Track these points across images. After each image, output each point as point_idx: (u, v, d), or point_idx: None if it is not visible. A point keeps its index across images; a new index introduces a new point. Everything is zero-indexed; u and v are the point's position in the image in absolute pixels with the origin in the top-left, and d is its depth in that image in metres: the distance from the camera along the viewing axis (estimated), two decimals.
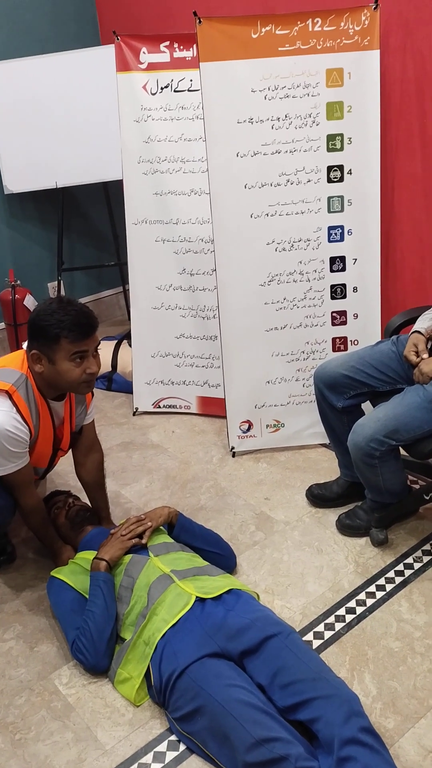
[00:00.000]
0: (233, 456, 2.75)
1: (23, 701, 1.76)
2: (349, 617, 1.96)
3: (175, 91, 2.74)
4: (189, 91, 2.73)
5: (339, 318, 2.64)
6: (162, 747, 1.63)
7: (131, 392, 3.12)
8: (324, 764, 1.44)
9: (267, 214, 2.51)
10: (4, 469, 1.93)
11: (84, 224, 3.93)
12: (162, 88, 2.75)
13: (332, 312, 2.63)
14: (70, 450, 2.24)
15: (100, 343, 1.92)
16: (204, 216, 2.76)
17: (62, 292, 3.81)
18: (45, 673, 1.84)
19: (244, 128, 2.43)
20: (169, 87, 2.74)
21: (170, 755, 1.60)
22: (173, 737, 1.64)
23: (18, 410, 1.89)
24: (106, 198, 3.68)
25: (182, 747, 1.62)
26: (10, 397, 1.88)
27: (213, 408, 3.03)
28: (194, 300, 2.93)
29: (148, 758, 1.60)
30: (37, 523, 2.13)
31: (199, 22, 2.32)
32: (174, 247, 2.90)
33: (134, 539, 1.97)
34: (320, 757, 1.47)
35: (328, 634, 1.91)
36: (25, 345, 1.96)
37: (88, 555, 2.00)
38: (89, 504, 2.30)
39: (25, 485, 2.03)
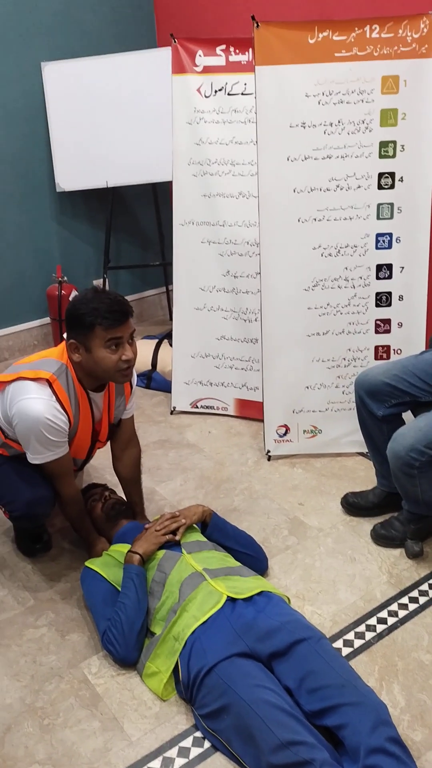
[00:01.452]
0: (269, 460, 2.75)
1: (53, 687, 1.79)
2: (380, 627, 1.94)
3: (228, 94, 2.77)
4: (242, 94, 2.75)
5: (383, 326, 2.62)
6: (187, 742, 1.63)
7: (170, 391, 3.15)
8: None
9: (315, 219, 2.50)
10: (43, 457, 1.97)
11: (131, 224, 3.98)
12: (216, 91, 2.77)
13: (376, 320, 2.62)
14: (108, 443, 2.27)
15: (134, 330, 1.94)
16: (251, 219, 2.77)
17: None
18: (75, 662, 1.86)
19: (296, 132, 2.43)
20: (223, 90, 2.77)
21: (195, 751, 1.61)
22: (198, 733, 1.65)
23: (58, 399, 1.92)
24: (154, 198, 3.72)
25: (207, 744, 1.62)
26: (51, 386, 1.92)
27: (250, 411, 3.03)
28: (237, 302, 2.95)
29: (172, 752, 1.61)
30: (75, 514, 2.16)
31: (257, 26, 2.33)
32: (219, 249, 2.92)
33: (168, 535, 1.99)
34: (345, 763, 1.47)
35: (358, 643, 1.89)
36: (65, 336, 2.00)
37: (121, 548, 2.03)
38: (125, 498, 2.32)
39: (64, 475, 2.06)
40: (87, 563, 2.04)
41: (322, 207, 2.49)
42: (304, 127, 2.42)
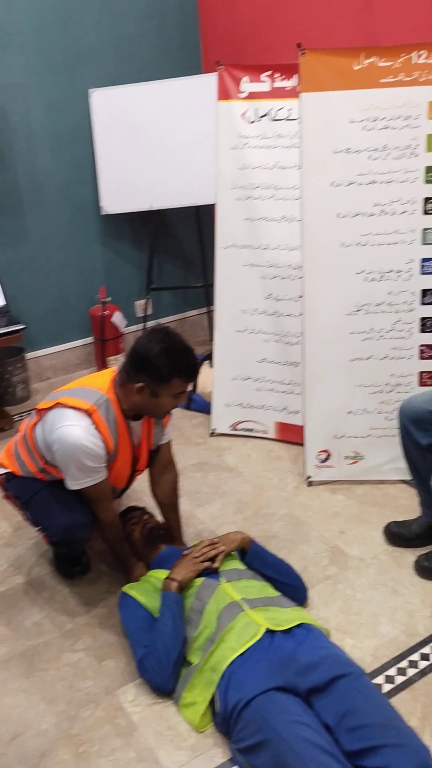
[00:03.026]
0: (309, 485, 2.71)
1: (89, 714, 1.78)
2: (422, 663, 1.88)
3: (273, 119, 2.78)
4: (287, 119, 2.76)
5: (428, 351, 2.57)
6: None
7: (209, 413, 3.14)
8: None
9: (358, 244, 2.48)
10: (81, 483, 1.98)
11: (174, 246, 4.02)
12: (260, 117, 2.79)
13: (421, 345, 2.57)
14: (146, 469, 2.28)
15: None
16: (293, 242, 2.77)
17: (149, 311, 3.90)
18: (111, 689, 1.86)
19: (340, 158, 2.42)
20: (268, 116, 2.78)
21: None
22: None
23: (97, 428, 1.93)
24: (197, 221, 3.75)
25: None
26: (90, 416, 1.93)
27: (291, 434, 3.00)
28: (278, 325, 2.93)
29: None
30: (113, 538, 2.16)
31: (303, 53, 2.34)
32: (261, 272, 2.92)
33: (206, 562, 1.97)
34: None
35: (399, 680, 1.84)
36: (112, 363, 2.02)
37: (160, 574, 2.02)
38: (164, 522, 2.32)
39: (103, 500, 2.07)
40: (125, 588, 2.04)
41: (366, 232, 2.47)
42: (349, 153, 2.41)
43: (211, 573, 1.96)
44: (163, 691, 1.81)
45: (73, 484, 1.99)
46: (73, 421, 1.91)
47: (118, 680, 1.88)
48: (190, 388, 1.93)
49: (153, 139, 3.44)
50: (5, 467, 2.19)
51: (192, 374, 1.94)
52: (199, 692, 1.74)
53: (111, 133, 3.47)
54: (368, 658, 1.91)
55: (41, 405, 2.03)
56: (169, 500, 2.29)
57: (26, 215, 3.50)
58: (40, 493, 2.10)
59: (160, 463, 2.26)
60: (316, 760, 1.45)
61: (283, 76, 2.72)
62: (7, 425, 3.27)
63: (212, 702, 1.71)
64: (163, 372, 1.88)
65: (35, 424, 2.06)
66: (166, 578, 1.94)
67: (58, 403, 1.96)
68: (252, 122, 2.81)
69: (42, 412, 2.02)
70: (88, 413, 1.93)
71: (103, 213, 3.63)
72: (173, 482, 2.29)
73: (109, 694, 1.84)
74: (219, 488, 2.74)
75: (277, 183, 2.82)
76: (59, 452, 1.94)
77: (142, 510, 2.36)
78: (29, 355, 3.69)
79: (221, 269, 2.98)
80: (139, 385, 1.92)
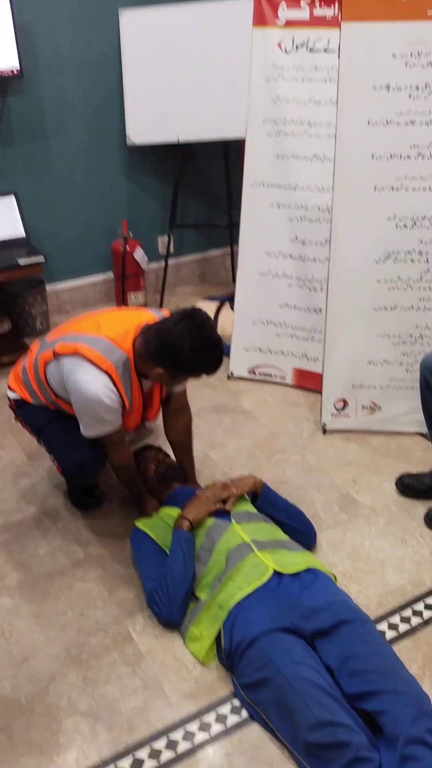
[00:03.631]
0: (324, 433, 2.71)
1: (97, 642, 1.84)
2: (427, 613, 1.91)
3: (310, 50, 2.64)
4: (325, 51, 2.62)
5: None
6: (225, 710, 1.66)
7: (228, 356, 3.12)
8: (385, 757, 1.43)
9: (392, 188, 2.39)
10: (95, 431, 1.99)
11: (199, 181, 3.91)
12: (297, 47, 2.65)
13: None
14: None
15: None
16: (324, 183, 2.67)
17: (171, 249, 3.83)
18: (120, 618, 1.91)
19: (379, 95, 2.30)
20: (305, 46, 2.64)
21: (232, 719, 1.63)
22: (237, 702, 1.67)
23: (115, 385, 1.92)
24: (225, 157, 3.63)
25: (245, 713, 1.64)
26: (110, 376, 1.92)
27: (309, 382, 2.98)
28: (303, 270, 2.87)
29: (210, 718, 1.64)
30: (126, 478, 2.19)
31: None
32: (289, 213, 2.83)
33: (218, 504, 1.99)
34: (382, 749, 1.45)
35: (403, 627, 1.87)
36: (132, 300, 1.99)
37: (172, 512, 2.04)
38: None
39: (116, 445, 2.08)
40: (137, 523, 2.07)
41: (400, 175, 2.37)
42: (389, 90, 2.29)
43: (223, 514, 1.98)
44: (171, 624, 1.86)
45: (87, 431, 1.99)
46: (92, 375, 1.89)
47: (127, 611, 1.93)
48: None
49: (184, 66, 3.29)
50: (14, 391, 2.19)
51: (216, 369, 1.87)
52: (205, 627, 1.78)
53: (140, 59, 3.33)
54: (373, 604, 1.94)
55: (59, 347, 1.98)
56: (181, 442, 2.30)
57: (50, 142, 3.40)
58: (53, 424, 2.12)
59: (173, 408, 2.26)
60: (316, 699, 1.49)
61: (324, 4, 2.56)
62: None
63: (218, 638, 1.75)
64: (189, 367, 1.86)
65: (48, 361, 2.03)
66: (178, 516, 1.96)
67: (77, 351, 1.93)
68: (288, 52, 2.66)
69: (59, 355, 1.98)
70: (108, 373, 1.91)
71: (129, 144, 3.52)
72: (186, 425, 2.29)
73: (117, 623, 1.89)
74: (234, 431, 2.74)
75: (310, 119, 2.70)
76: (76, 403, 1.94)
77: (158, 449, 2.37)
78: (49, 287, 3.65)
79: (247, 208, 2.89)
80: (159, 371, 1.89)
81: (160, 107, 3.39)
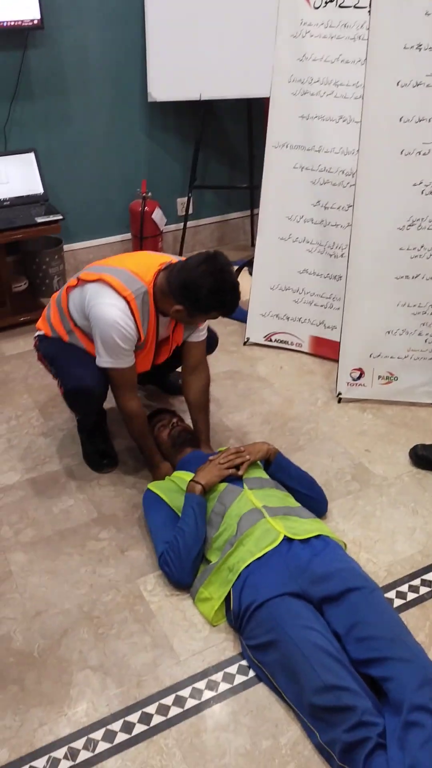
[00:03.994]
0: (339, 402, 2.70)
1: (109, 599, 1.87)
2: None
3: (340, 6, 2.55)
4: (355, 7, 2.53)
5: None
6: (232, 669, 1.69)
7: (245, 321, 3.10)
8: (389, 723, 1.45)
9: (419, 153, 2.32)
10: (109, 363, 2.04)
11: (221, 141, 3.83)
12: (326, 2, 2.56)
13: None
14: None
15: None
16: (349, 146, 2.61)
17: (190, 210, 3.77)
18: (132, 578, 1.94)
19: (410, 55, 2.22)
20: (334, 1, 2.55)
21: (239, 678, 1.67)
22: (244, 662, 1.70)
23: (132, 314, 1.98)
24: (248, 116, 3.55)
25: (251, 673, 1.68)
26: (128, 303, 1.97)
27: (325, 350, 2.96)
28: (324, 235, 2.82)
29: (217, 677, 1.67)
30: (137, 430, 2.20)
31: None
32: (312, 176, 2.77)
33: (231, 469, 2.00)
34: (386, 715, 1.48)
35: (411, 596, 1.88)
36: (157, 254, 2.11)
37: (185, 476, 2.05)
38: (192, 427, 2.34)
39: (127, 387, 2.11)
40: (150, 486, 2.09)
41: (429, 140, 2.30)
42: (420, 50, 2.21)
43: (235, 480, 1.99)
44: (181, 585, 1.89)
45: (102, 361, 2.04)
46: (112, 300, 1.97)
47: (138, 570, 1.96)
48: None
49: (208, 22, 3.20)
50: (39, 329, 2.27)
51: (232, 311, 1.97)
52: (215, 589, 1.81)
53: (164, 12, 3.23)
54: (382, 573, 1.95)
55: (84, 275, 2.06)
56: (198, 402, 2.30)
57: (70, 97, 3.34)
58: (65, 352, 2.17)
59: (190, 363, 2.27)
60: (322, 663, 1.51)
61: None
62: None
63: (227, 600, 1.77)
64: (207, 306, 1.95)
65: (73, 287, 2.10)
66: (191, 481, 1.98)
67: (101, 278, 2.00)
68: (317, 8, 2.57)
69: (83, 282, 2.06)
70: (126, 300, 1.97)
71: (150, 100, 3.44)
72: (203, 384, 2.29)
73: (129, 582, 1.93)
74: (248, 397, 2.74)
75: (338, 78, 2.62)
76: (95, 328, 2.01)
77: (172, 413, 2.38)
78: (66, 247, 3.63)
79: (270, 170, 2.84)
80: (179, 308, 1.97)
81: (182, 63, 3.31)
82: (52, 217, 3.03)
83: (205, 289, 1.89)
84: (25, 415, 2.62)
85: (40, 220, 3.01)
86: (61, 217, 3.05)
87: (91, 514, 2.16)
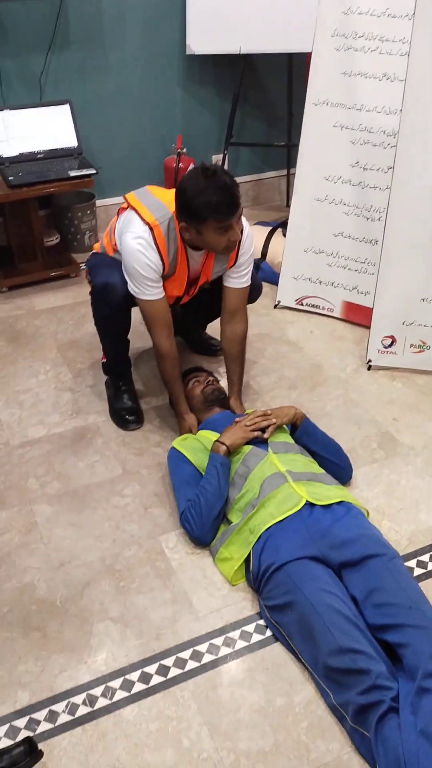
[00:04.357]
0: (369, 369, 2.66)
1: (131, 554, 1.91)
2: None
3: None
4: None
5: None
6: (249, 627, 1.71)
7: (276, 284, 3.06)
8: (402, 688, 1.46)
9: None
10: (136, 293, 2.07)
11: (260, 98, 3.73)
12: None
13: None
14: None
15: (242, 210, 1.96)
16: (392, 105, 2.52)
17: (226, 168, 3.70)
18: (154, 534, 1.97)
19: None
20: None
21: (256, 637, 1.69)
22: (262, 622, 1.72)
23: (156, 243, 2.00)
24: (288, 72, 3.45)
25: (268, 633, 1.70)
26: (152, 230, 1.99)
27: (357, 316, 2.91)
28: (362, 197, 2.75)
29: (235, 634, 1.70)
30: (167, 372, 2.20)
31: None
32: (352, 135, 2.69)
33: (257, 432, 1.99)
34: (400, 680, 1.49)
35: (431, 566, 1.88)
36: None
37: (210, 435, 2.06)
38: (226, 390, 2.33)
39: (158, 323, 2.12)
40: (174, 444, 2.10)
41: None
42: None
43: (260, 443, 1.99)
44: (201, 543, 1.91)
45: (130, 288, 2.09)
46: (136, 229, 2.00)
47: (161, 527, 1.99)
48: (228, 223, 1.91)
49: None
50: (94, 249, 2.35)
51: (226, 211, 1.88)
52: (235, 549, 1.82)
53: None
54: (404, 541, 1.95)
55: (127, 197, 2.10)
56: (231, 351, 2.29)
57: (107, 48, 3.27)
58: (106, 260, 2.22)
59: (227, 310, 2.25)
60: (339, 626, 1.52)
61: None
62: (72, 272, 3.27)
63: (247, 560, 1.79)
64: (199, 214, 1.89)
65: (123, 209, 2.15)
66: (216, 441, 1.98)
67: (133, 206, 2.04)
68: None
69: (122, 210, 2.13)
70: (150, 227, 1.99)
71: (189, 53, 3.35)
72: (239, 334, 2.27)
73: (151, 538, 1.95)
74: (277, 361, 2.72)
75: (384, 34, 2.52)
76: (122, 256, 2.06)
77: (209, 372, 2.37)
78: (99, 202, 3.60)
79: (308, 128, 2.76)
80: (182, 224, 1.96)
81: (223, 15, 3.21)
82: (85, 171, 3.00)
83: (190, 190, 1.87)
84: (53, 370, 2.64)
85: (73, 173, 2.98)
86: (94, 172, 3.01)
87: (115, 471, 2.18)
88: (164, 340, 2.15)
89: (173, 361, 2.19)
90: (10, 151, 3.04)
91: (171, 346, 2.17)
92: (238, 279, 2.20)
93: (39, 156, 3.08)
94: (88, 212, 3.46)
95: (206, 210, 1.87)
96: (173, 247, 2.04)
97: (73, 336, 2.82)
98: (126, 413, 2.37)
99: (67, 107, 3.15)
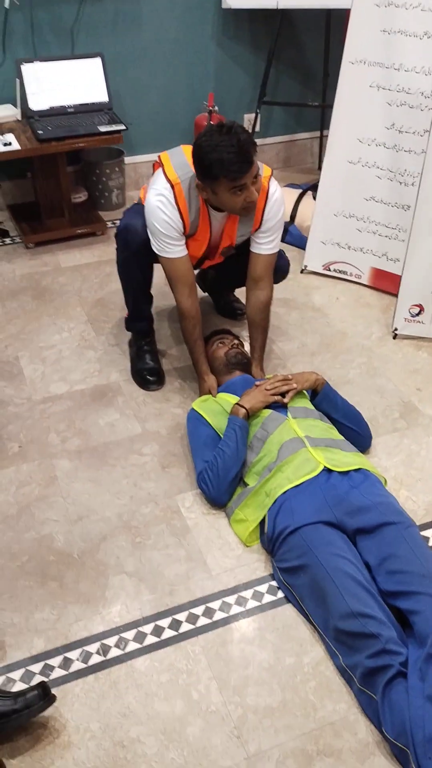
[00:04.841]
0: (394, 338, 2.63)
1: (148, 512, 1.93)
2: None
3: None
4: None
5: None
6: (262, 588, 1.73)
7: (304, 248, 3.01)
8: (412, 654, 1.47)
9: None
10: (157, 250, 2.08)
11: (295, 56, 3.62)
12: None
13: None
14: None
15: (258, 169, 1.92)
16: None
17: (257, 127, 3.63)
18: (171, 493, 1.98)
19: None
20: None
21: (268, 598, 1.71)
22: (274, 583, 1.74)
23: (177, 201, 1.99)
24: (326, 28, 3.34)
25: (280, 594, 1.72)
26: (173, 189, 1.98)
27: (385, 283, 2.86)
28: (396, 161, 2.68)
29: (247, 594, 1.72)
30: (188, 331, 2.20)
31: None
32: (389, 96, 2.61)
33: (277, 396, 1.98)
34: (410, 646, 1.50)
35: None
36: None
37: (230, 398, 2.06)
38: (249, 354, 2.32)
39: (180, 281, 2.13)
40: (194, 405, 2.10)
41: None
42: None
43: (280, 407, 1.98)
44: (217, 504, 1.93)
45: (153, 246, 2.10)
46: (158, 186, 1.99)
47: (178, 487, 2.01)
48: (242, 183, 1.87)
49: None
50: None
51: (239, 171, 1.83)
52: (251, 511, 1.84)
53: None
54: (420, 511, 1.95)
55: (161, 154, 2.08)
56: (254, 318, 2.28)
57: (141, 0, 3.19)
58: (135, 208, 2.21)
59: (252, 277, 2.23)
60: (351, 591, 1.53)
61: None
62: (100, 230, 3.25)
63: (261, 523, 1.80)
64: (212, 172, 1.86)
65: (155, 170, 2.13)
66: (236, 404, 1.98)
67: (161, 163, 2.04)
68: None
69: (156, 166, 2.10)
70: (172, 185, 1.98)
71: (224, 6, 3.26)
72: (263, 301, 2.25)
73: (168, 497, 1.97)
74: (301, 327, 2.69)
75: None
76: (145, 213, 2.06)
77: (235, 336, 2.36)
78: (128, 159, 3.55)
79: (344, 87, 2.68)
80: (198, 183, 1.94)
81: None
82: (115, 127, 2.96)
83: (206, 147, 1.83)
84: (77, 327, 2.65)
85: (103, 129, 2.94)
86: (124, 128, 2.97)
87: (135, 430, 2.20)
88: (186, 299, 2.14)
89: (194, 320, 2.18)
90: (40, 104, 3.01)
91: (192, 305, 2.16)
92: (265, 245, 2.16)
93: (69, 110, 3.04)
94: (117, 169, 3.42)
95: (218, 168, 1.83)
96: (195, 207, 2.02)
97: (97, 294, 2.82)
98: (147, 373, 2.37)
99: (98, 60, 3.09)
